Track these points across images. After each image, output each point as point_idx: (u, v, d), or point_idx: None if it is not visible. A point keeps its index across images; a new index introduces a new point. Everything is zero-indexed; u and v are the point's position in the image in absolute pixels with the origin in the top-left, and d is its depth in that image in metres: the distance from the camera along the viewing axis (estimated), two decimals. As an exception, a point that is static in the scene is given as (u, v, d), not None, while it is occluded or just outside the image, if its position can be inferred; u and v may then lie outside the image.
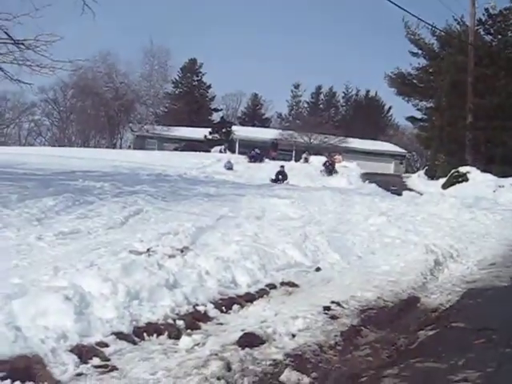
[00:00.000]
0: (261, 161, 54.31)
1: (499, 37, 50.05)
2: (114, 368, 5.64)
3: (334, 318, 7.96)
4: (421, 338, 7.76)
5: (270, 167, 47.57)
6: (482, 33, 51.22)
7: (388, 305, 9.12)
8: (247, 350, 6.26)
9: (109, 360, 5.82)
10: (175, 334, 6.75)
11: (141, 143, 79.67)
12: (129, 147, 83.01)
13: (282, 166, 44.86)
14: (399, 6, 33.72)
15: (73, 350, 5.82)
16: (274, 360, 6.23)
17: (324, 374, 6.21)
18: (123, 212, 14.18)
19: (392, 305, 9.17)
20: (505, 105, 45.10)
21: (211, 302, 7.99)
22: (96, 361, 5.73)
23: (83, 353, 5.83)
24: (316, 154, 62.00)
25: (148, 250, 9.88)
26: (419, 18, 44.96)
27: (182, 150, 69.97)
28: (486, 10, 49.94)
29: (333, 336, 7.30)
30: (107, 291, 7.13)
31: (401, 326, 8.38)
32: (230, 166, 47.32)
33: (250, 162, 53.16)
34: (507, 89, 45.47)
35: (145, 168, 34.72)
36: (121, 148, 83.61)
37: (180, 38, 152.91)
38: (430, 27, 51.23)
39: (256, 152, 55.96)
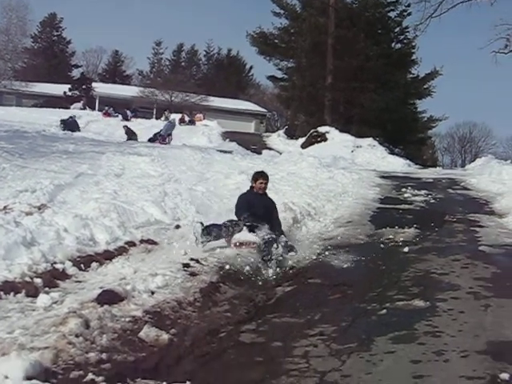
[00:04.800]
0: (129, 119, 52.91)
1: (360, -1, 50.98)
2: (-31, 327, 5.53)
3: (193, 274, 8.02)
4: (278, 294, 7.95)
5: (130, 124, 46.61)
6: (344, -5, 52.02)
7: (246, 261, 9.24)
8: (106, 307, 6.24)
9: (-37, 319, 5.70)
10: (33, 293, 6.66)
11: (-2, 99, 77.30)
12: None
13: (125, 126, 39.63)
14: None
15: None
16: (133, 317, 6.24)
17: (183, 329, 6.28)
18: (-22, 169, 13.77)
19: (250, 261, 9.30)
20: (364, 67, 46.16)
21: (69, 260, 7.92)
22: (-51, 320, 5.60)
23: None
24: (177, 113, 61.69)
25: (5, 207, 9.67)
26: (281, -22, 45.03)
27: (41, 106, 68.14)
28: (348, -29, 50.74)
29: (192, 293, 7.37)
30: (-39, 249, 6.96)
31: (259, 282, 8.53)
32: (71, 126, 39.34)
33: (124, 120, 51.51)
34: (366, 51, 46.47)
35: (2, 124, 33.50)
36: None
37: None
38: (292, -13, 51.53)
39: (126, 111, 54.86)
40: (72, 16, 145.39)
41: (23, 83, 75.82)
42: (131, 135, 37.02)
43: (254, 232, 10.28)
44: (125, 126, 39.25)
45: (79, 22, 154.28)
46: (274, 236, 10.20)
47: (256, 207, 10.88)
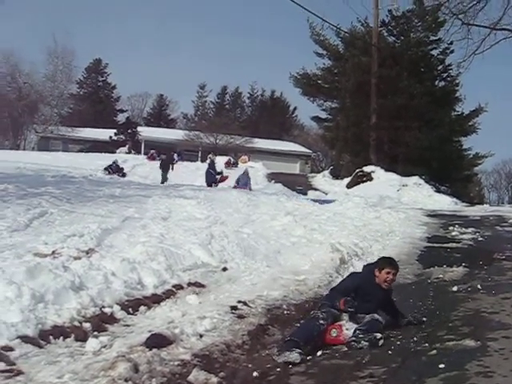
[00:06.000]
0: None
1: (402, 38, 51.07)
2: (20, 372, 5.56)
3: (241, 317, 8.01)
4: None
5: (176, 167, 46.98)
6: (386, 34, 52.21)
7: (294, 303, 9.21)
8: (155, 350, 6.24)
9: (14, 364, 5.72)
10: (82, 337, 6.69)
11: (45, 144, 78.05)
12: (33, 149, 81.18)
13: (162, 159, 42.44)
14: (303, 7, 34.09)
15: (-23, 356, 5.72)
16: (182, 360, 6.24)
17: (232, 373, 6.26)
18: (27, 214, 13.80)
19: (298, 303, 9.26)
20: (407, 105, 46.11)
21: (118, 304, 7.93)
22: (1, 365, 5.63)
23: (-13, 358, 5.73)
24: (222, 155, 61.98)
25: (53, 252, 9.72)
26: (324, 20, 45.29)
27: (88, 151, 68.96)
28: (390, 11, 50.96)
29: (240, 335, 7.35)
30: (12, 295, 6.99)
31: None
32: (116, 169, 42.21)
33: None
34: (410, 90, 46.46)
35: (49, 170, 33.82)
36: (25, 149, 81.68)
37: (84, 38, 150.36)
38: (334, 28, 51.69)
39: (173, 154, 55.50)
40: (117, 61, 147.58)
41: (69, 128, 77.03)
42: (167, 165, 37.74)
43: (354, 320, 7.71)
44: (161, 159, 39.86)
45: (124, 68, 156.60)
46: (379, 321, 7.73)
47: (371, 302, 8.00)
